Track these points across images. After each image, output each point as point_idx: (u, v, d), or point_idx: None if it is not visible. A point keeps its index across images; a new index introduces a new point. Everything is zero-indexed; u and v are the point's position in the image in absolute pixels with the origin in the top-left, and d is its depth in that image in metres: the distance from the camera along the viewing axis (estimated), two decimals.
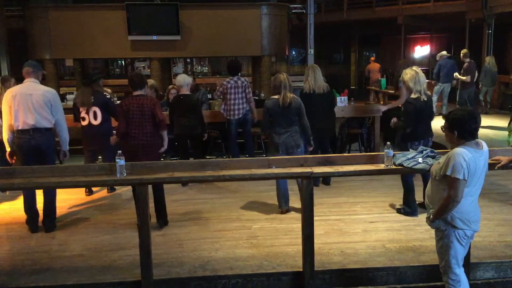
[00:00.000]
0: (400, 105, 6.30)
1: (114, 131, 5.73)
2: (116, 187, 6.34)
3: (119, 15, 10.87)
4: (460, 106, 10.57)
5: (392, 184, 6.10)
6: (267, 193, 5.93)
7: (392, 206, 5.53)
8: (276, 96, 5.25)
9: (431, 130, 5.32)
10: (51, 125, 4.96)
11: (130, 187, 5.65)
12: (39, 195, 5.13)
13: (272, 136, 5.31)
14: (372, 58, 17.93)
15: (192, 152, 6.97)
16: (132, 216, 4.96)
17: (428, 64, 18.12)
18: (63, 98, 9.76)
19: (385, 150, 3.93)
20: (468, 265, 3.86)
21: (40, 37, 11.07)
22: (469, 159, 3.13)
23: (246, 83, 7.22)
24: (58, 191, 5.29)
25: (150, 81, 6.61)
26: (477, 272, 4.10)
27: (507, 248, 4.36)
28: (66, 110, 5.67)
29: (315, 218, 3.96)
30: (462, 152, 3.14)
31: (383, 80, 12.64)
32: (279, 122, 5.24)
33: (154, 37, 11.03)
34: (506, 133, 6.63)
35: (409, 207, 5.22)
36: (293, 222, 5.01)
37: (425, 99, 5.06)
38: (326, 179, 6.41)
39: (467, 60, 10.87)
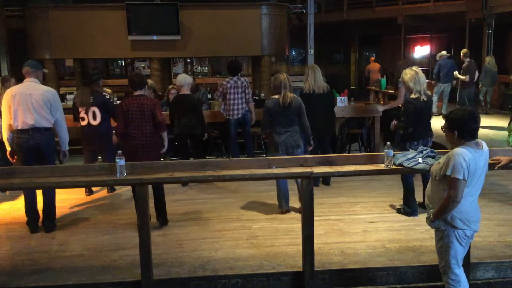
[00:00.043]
0: (399, 105, 6.30)
1: (114, 131, 5.73)
2: (116, 187, 6.34)
3: (119, 15, 10.88)
4: (460, 106, 10.57)
5: (392, 184, 6.10)
6: (267, 193, 5.93)
7: (392, 206, 5.53)
8: (276, 96, 5.25)
9: (431, 130, 5.32)
10: (51, 125, 4.96)
11: (130, 187, 5.65)
12: (40, 196, 5.13)
13: (272, 136, 5.31)
14: (372, 58, 17.94)
15: (192, 152, 6.97)
16: (132, 216, 4.96)
17: (428, 64, 18.12)
18: (63, 98, 9.76)
19: (385, 150, 3.93)
20: (468, 265, 3.87)
21: (40, 37, 11.08)
22: (469, 159, 3.13)
23: (246, 83, 7.22)
24: (58, 191, 5.29)
25: (149, 81, 6.61)
26: (477, 272, 4.10)
27: (507, 248, 4.36)
28: (66, 110, 5.67)
29: (315, 218, 3.96)
30: (462, 152, 3.14)
31: (383, 80, 12.64)
32: (279, 121, 5.24)
33: (154, 37, 11.04)
34: (506, 133, 6.63)
35: (409, 207, 5.22)
36: (293, 222, 5.01)
37: (425, 99, 5.06)
38: (326, 179, 6.41)
39: (467, 59, 10.88)
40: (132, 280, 3.95)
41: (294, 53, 21.36)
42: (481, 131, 9.01)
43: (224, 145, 7.96)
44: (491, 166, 3.61)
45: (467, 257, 3.77)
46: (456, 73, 10.92)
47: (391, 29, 18.24)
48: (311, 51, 13.45)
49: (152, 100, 5.15)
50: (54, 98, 4.94)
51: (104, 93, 6.04)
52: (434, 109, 10.18)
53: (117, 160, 3.78)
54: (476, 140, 3.26)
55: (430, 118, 5.35)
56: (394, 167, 3.92)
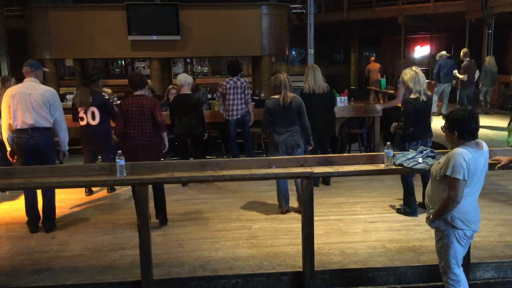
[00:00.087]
0: (398, 105, 6.30)
1: (113, 131, 5.73)
2: (116, 187, 6.34)
3: (119, 15, 10.87)
4: (460, 106, 10.58)
5: (392, 184, 6.10)
6: (267, 193, 5.93)
7: (392, 206, 5.53)
8: (276, 96, 5.25)
9: (431, 130, 5.32)
10: (50, 124, 4.96)
11: (130, 187, 5.65)
12: (40, 196, 5.13)
13: (273, 136, 5.31)
14: (372, 58, 17.95)
15: (192, 152, 6.97)
16: (132, 216, 4.96)
17: (428, 64, 18.12)
18: (63, 98, 9.75)
19: (385, 150, 3.93)
20: (468, 265, 3.87)
21: (40, 37, 11.07)
22: (469, 159, 3.13)
23: (245, 84, 7.21)
24: (58, 191, 5.29)
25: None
26: (477, 272, 4.10)
27: (507, 248, 4.36)
28: (66, 110, 5.67)
29: (315, 218, 3.96)
30: (462, 152, 3.14)
31: (383, 80, 12.64)
32: (280, 121, 5.24)
33: (154, 37, 11.03)
34: (506, 133, 6.62)
35: (409, 207, 5.22)
36: (293, 222, 5.01)
37: (425, 99, 5.06)
38: (326, 179, 6.41)
39: (467, 59, 10.88)
40: (132, 280, 3.95)
41: (294, 53, 21.36)
42: (481, 131, 9.01)
43: (224, 145, 7.96)
44: (491, 166, 3.61)
45: (467, 257, 3.78)
46: (455, 72, 10.93)
47: (391, 29, 18.24)
48: (311, 51, 13.45)
49: (152, 100, 5.15)
50: (53, 98, 4.94)
51: (103, 93, 6.04)
52: (434, 109, 10.19)
53: (117, 160, 3.78)
54: (476, 140, 3.27)
55: (429, 118, 5.35)
56: (394, 167, 3.92)
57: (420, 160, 3.82)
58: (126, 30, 10.85)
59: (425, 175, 4.99)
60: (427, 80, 5.50)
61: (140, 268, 3.88)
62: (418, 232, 4.74)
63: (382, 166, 3.95)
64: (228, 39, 11.30)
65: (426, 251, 4.30)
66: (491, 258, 4.18)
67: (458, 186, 3.12)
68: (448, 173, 3.14)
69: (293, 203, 5.47)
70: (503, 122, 10.10)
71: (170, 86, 8.60)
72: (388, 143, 4.00)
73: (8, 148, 5.02)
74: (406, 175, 5.13)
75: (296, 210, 5.35)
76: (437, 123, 5.34)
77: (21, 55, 10.38)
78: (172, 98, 7.56)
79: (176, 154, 7.68)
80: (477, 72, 11.17)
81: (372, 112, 8.04)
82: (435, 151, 3.96)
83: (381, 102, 11.48)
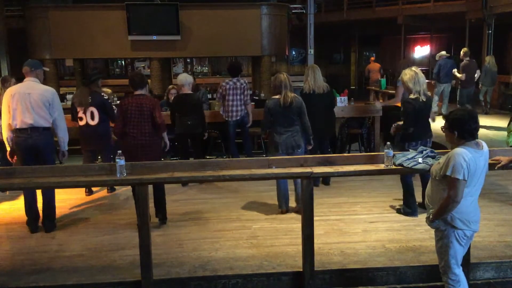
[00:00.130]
0: (398, 104, 6.30)
1: (113, 131, 5.73)
2: (116, 187, 6.34)
3: (119, 15, 10.88)
4: (461, 106, 10.58)
5: (392, 184, 6.10)
6: (267, 193, 5.93)
7: (392, 206, 5.53)
8: (277, 96, 5.25)
9: (430, 130, 5.31)
10: (49, 124, 4.95)
11: (130, 187, 5.65)
12: (40, 196, 5.13)
13: (273, 136, 5.31)
14: (372, 58, 17.95)
15: (192, 152, 6.98)
16: (132, 216, 4.96)
17: (428, 64, 18.12)
18: (63, 98, 9.75)
19: (385, 150, 3.93)
20: (468, 265, 3.87)
21: (40, 37, 11.08)
22: (469, 159, 3.13)
23: (245, 85, 7.21)
24: (58, 191, 5.29)
25: None
26: (477, 272, 4.10)
27: (507, 248, 4.36)
28: (66, 110, 5.67)
29: (315, 218, 3.96)
30: (462, 152, 3.14)
31: (383, 80, 12.65)
32: (280, 121, 5.24)
33: (154, 37, 11.04)
34: (506, 133, 6.62)
35: (409, 208, 5.22)
36: (293, 222, 5.01)
37: (424, 100, 5.06)
38: (326, 179, 6.41)
39: (467, 58, 10.88)
40: (132, 280, 3.95)
41: (294, 53, 21.36)
42: (481, 131, 9.01)
43: (224, 145, 7.96)
44: (491, 166, 3.61)
45: (467, 257, 3.78)
46: (455, 71, 10.94)
47: (391, 29, 18.24)
48: (311, 51, 13.45)
49: (152, 100, 5.14)
50: (53, 98, 4.93)
51: (102, 94, 6.04)
52: (435, 109, 10.18)
53: (117, 160, 3.78)
54: (476, 140, 3.27)
55: (429, 119, 5.34)
56: (394, 167, 3.92)
57: (420, 160, 3.82)
58: (126, 30, 10.86)
59: (424, 175, 5.00)
60: (427, 80, 5.50)
61: (140, 268, 3.88)
62: (418, 232, 4.74)
63: (382, 166, 3.95)
64: (228, 39, 11.30)
65: (426, 251, 4.30)
66: (491, 258, 4.18)
67: (458, 186, 3.12)
68: (448, 173, 3.14)
69: (293, 203, 5.48)
70: (503, 122, 10.10)
71: (170, 86, 8.60)
72: (388, 143, 4.00)
73: (8, 148, 5.02)
74: (405, 175, 5.13)
75: (294, 210, 5.35)
76: (437, 123, 5.32)
77: (21, 55, 10.38)
78: (172, 98, 7.57)
79: (176, 154, 7.68)
80: (478, 71, 11.17)
81: (372, 112, 8.05)
82: (435, 151, 3.96)
83: (381, 100, 11.49)
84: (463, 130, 3.20)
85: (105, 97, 6.01)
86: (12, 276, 4.06)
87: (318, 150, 6.06)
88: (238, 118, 7.19)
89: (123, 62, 19.09)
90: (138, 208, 3.98)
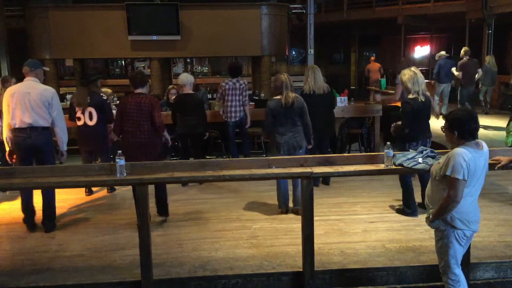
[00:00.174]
0: (397, 104, 6.30)
1: (112, 130, 5.74)
2: (116, 187, 6.34)
3: (119, 15, 10.88)
4: (461, 105, 10.58)
5: (392, 184, 6.10)
6: (267, 193, 5.93)
7: (392, 206, 5.53)
8: (278, 97, 5.24)
9: (430, 131, 5.30)
10: (49, 124, 4.95)
11: (130, 187, 5.65)
12: (36, 194, 5.14)
13: (274, 136, 5.30)
14: (372, 58, 17.94)
15: (192, 152, 6.98)
16: (132, 216, 4.96)
17: (428, 64, 18.13)
18: (63, 98, 9.76)
19: (385, 150, 3.93)
20: (468, 265, 3.87)
21: (40, 37, 11.08)
22: (469, 159, 3.13)
23: (244, 86, 7.20)
24: (58, 191, 5.29)
25: None
26: (477, 272, 4.10)
27: (507, 248, 4.36)
28: (66, 110, 5.67)
29: (315, 218, 3.96)
30: (462, 152, 3.14)
31: (383, 80, 12.63)
32: (282, 122, 5.23)
33: (154, 37, 11.03)
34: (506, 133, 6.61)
35: (408, 208, 5.22)
36: (293, 222, 5.01)
37: (423, 100, 5.06)
38: (326, 179, 6.41)
39: (466, 57, 10.88)
40: (132, 280, 3.95)
41: (294, 53, 21.36)
42: (481, 131, 9.03)
43: (224, 145, 7.96)
44: (491, 166, 3.61)
45: (467, 257, 3.78)
46: (454, 69, 10.94)
47: (391, 29, 18.25)
48: (311, 51, 13.45)
49: (152, 100, 5.12)
50: (52, 97, 4.93)
51: (101, 94, 6.03)
52: (437, 108, 10.18)
53: (117, 160, 3.78)
54: (476, 140, 3.27)
55: (428, 119, 5.34)
56: (394, 167, 3.92)
57: (420, 160, 3.82)
58: (126, 30, 10.86)
59: (423, 175, 5.00)
60: (427, 80, 5.51)
61: (140, 268, 3.88)
62: (418, 232, 4.74)
63: (382, 166, 3.95)
64: (228, 39, 11.30)
65: (426, 251, 4.30)
66: (491, 258, 4.18)
67: (457, 186, 3.12)
68: (448, 173, 3.14)
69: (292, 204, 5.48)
70: (503, 122, 10.09)
71: (170, 86, 8.60)
72: (388, 143, 4.00)
73: (7, 148, 5.02)
74: (404, 176, 5.13)
75: (294, 211, 5.35)
76: (437, 123, 5.32)
77: (21, 55, 10.39)
78: (173, 98, 7.57)
79: (176, 154, 7.68)
80: (480, 71, 11.15)
81: (372, 112, 8.05)
82: (435, 151, 3.96)
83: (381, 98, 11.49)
84: (463, 130, 3.20)
85: (104, 98, 6.00)
86: (12, 276, 4.07)
87: (317, 150, 6.06)
88: (237, 119, 7.18)
89: (123, 62, 19.09)
90: (138, 208, 3.99)
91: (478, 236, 4.17)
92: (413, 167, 3.80)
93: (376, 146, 7.87)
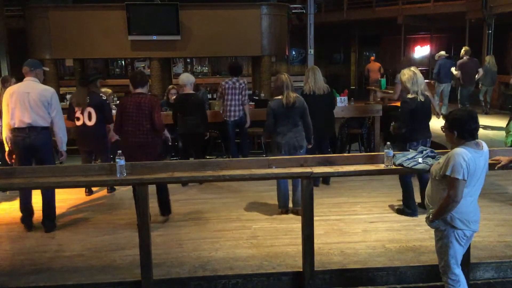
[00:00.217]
0: (397, 104, 6.31)
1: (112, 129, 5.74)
2: (116, 187, 6.34)
3: (119, 15, 10.88)
4: (461, 105, 10.58)
5: (392, 184, 6.09)
6: (267, 193, 5.93)
7: (392, 206, 5.52)
8: (279, 97, 5.24)
9: (429, 131, 5.30)
10: (48, 124, 4.95)
11: (130, 187, 5.65)
12: (36, 194, 5.14)
13: (275, 136, 5.30)
14: (372, 58, 17.93)
15: (193, 152, 6.98)
16: (132, 216, 4.95)
17: (428, 64, 18.12)
18: (62, 98, 9.77)
19: (385, 150, 3.93)
20: (468, 265, 3.87)
21: (40, 37, 11.08)
22: (469, 159, 3.13)
23: (244, 85, 7.21)
24: (58, 191, 5.29)
25: None
26: (477, 272, 4.10)
27: (507, 248, 4.36)
28: (65, 110, 5.67)
29: (315, 218, 3.96)
30: (462, 152, 3.14)
31: (383, 80, 12.63)
32: (283, 122, 5.23)
33: (154, 37, 11.04)
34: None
35: (408, 208, 5.22)
36: (293, 222, 5.01)
37: (422, 100, 5.06)
38: (326, 179, 6.41)
39: (466, 57, 10.87)
40: (132, 280, 3.95)
41: (294, 53, 21.36)
42: (481, 131, 9.03)
43: (224, 145, 7.96)
44: (491, 166, 3.61)
45: (467, 257, 3.78)
46: (453, 69, 10.95)
47: (391, 29, 18.24)
48: (311, 51, 13.45)
49: (152, 100, 5.11)
50: (51, 97, 4.93)
51: (101, 94, 6.02)
52: (437, 108, 10.17)
53: (117, 160, 3.79)
54: (476, 140, 3.27)
55: (428, 119, 5.34)
56: (394, 167, 3.92)
57: (420, 160, 3.82)
58: (126, 30, 10.86)
59: (422, 175, 5.01)
60: (427, 80, 5.51)
61: (140, 268, 3.88)
62: (418, 232, 4.74)
63: (382, 166, 3.95)
64: (228, 39, 11.30)
65: (426, 251, 4.30)
66: (491, 258, 4.18)
67: (457, 186, 3.12)
68: (447, 173, 3.14)
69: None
70: (503, 122, 10.07)
71: (170, 86, 8.60)
72: (388, 143, 4.00)
73: (7, 148, 5.02)
74: (404, 176, 5.13)
75: (294, 211, 5.35)
76: (437, 123, 5.32)
77: (21, 55, 10.39)
78: (173, 98, 7.58)
79: (176, 154, 7.68)
80: (480, 70, 11.15)
81: (372, 112, 8.05)
82: (435, 151, 3.96)
83: (380, 97, 11.50)
84: (463, 130, 3.20)
85: (103, 98, 5.99)
86: (12, 276, 4.07)
87: (317, 150, 6.06)
88: (237, 118, 7.18)
89: (123, 62, 19.10)
90: (138, 208, 3.98)
91: (478, 236, 4.17)
92: (413, 167, 3.80)
93: (376, 146, 7.87)
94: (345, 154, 6.68)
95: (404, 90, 5.24)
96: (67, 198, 5.91)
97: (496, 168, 3.72)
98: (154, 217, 5.01)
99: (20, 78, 5.25)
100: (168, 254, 4.40)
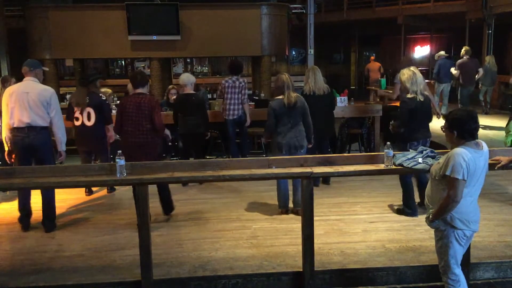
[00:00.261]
0: (397, 104, 6.32)
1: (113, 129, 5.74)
2: (116, 187, 6.34)
3: (119, 15, 10.87)
4: (462, 105, 10.58)
5: (392, 184, 6.09)
6: (267, 193, 5.93)
7: (391, 206, 5.52)
8: (280, 97, 5.24)
9: (429, 131, 5.30)
10: (47, 124, 4.95)
11: (130, 187, 5.65)
12: (36, 194, 5.14)
13: (276, 136, 5.30)
14: (372, 58, 17.93)
15: (193, 152, 6.97)
16: (132, 216, 4.95)
17: (428, 64, 18.12)
18: (62, 98, 9.77)
19: (385, 150, 3.93)
20: (468, 265, 3.87)
21: (40, 37, 11.07)
22: (469, 159, 3.13)
23: (243, 84, 7.21)
24: (58, 191, 5.29)
25: None
26: (477, 272, 4.10)
27: (507, 248, 4.36)
28: (64, 110, 5.66)
29: (315, 218, 3.96)
30: (461, 152, 3.14)
31: (383, 80, 12.64)
32: (284, 122, 5.23)
33: (154, 37, 11.03)
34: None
35: (409, 208, 5.22)
36: (293, 222, 5.01)
37: (422, 100, 5.06)
38: (326, 179, 6.41)
39: (466, 57, 10.87)
40: (132, 280, 3.95)
41: (294, 53, 21.36)
42: (481, 131, 9.02)
43: (224, 145, 7.96)
44: (491, 166, 3.61)
45: (467, 257, 3.78)
46: (452, 68, 10.95)
47: (391, 29, 18.24)
48: (311, 51, 13.45)
49: (151, 100, 5.11)
50: (51, 97, 4.93)
51: (100, 95, 6.01)
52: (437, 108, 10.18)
53: (117, 160, 3.78)
54: (476, 140, 3.27)
55: (429, 119, 5.33)
56: (394, 167, 3.92)
57: (420, 160, 3.82)
58: (126, 30, 10.85)
59: (420, 175, 5.02)
60: (427, 80, 5.52)
61: (140, 268, 3.88)
62: (418, 232, 4.74)
63: (382, 166, 3.95)
64: (228, 39, 11.30)
65: (426, 251, 4.30)
66: (491, 258, 4.18)
67: (457, 186, 3.12)
68: (447, 173, 3.14)
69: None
70: (503, 122, 10.06)
71: (170, 86, 8.60)
72: (388, 143, 4.00)
73: (6, 148, 5.02)
74: (405, 176, 5.13)
75: (294, 212, 5.35)
76: (437, 123, 5.32)
77: (21, 55, 10.39)
78: (173, 98, 7.58)
79: (176, 154, 7.68)
80: (480, 70, 11.14)
81: (372, 112, 8.05)
82: (435, 151, 3.96)
83: (379, 97, 11.51)
84: (463, 130, 3.20)
85: (103, 98, 5.98)
86: (12, 276, 4.07)
87: (317, 150, 6.07)
88: (236, 117, 7.18)
89: (123, 62, 19.09)
90: (138, 208, 3.98)
91: (478, 236, 4.17)
92: (413, 167, 3.80)
93: (376, 146, 7.87)
94: (345, 154, 6.69)
95: (403, 90, 5.23)
96: (67, 198, 5.92)
97: (496, 168, 3.72)
98: (154, 217, 5.02)
99: (20, 78, 5.25)
100: (168, 254, 4.40)
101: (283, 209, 5.42)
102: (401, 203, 5.33)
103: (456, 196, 3.13)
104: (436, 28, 18.32)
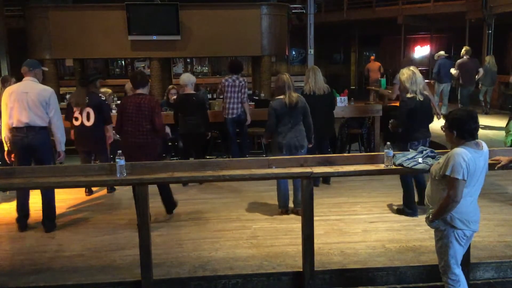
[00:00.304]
0: (396, 104, 6.32)
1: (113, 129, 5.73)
2: (116, 187, 6.34)
3: (119, 15, 10.87)
4: (462, 105, 10.58)
5: (392, 184, 6.10)
6: (267, 193, 5.93)
7: (391, 206, 5.52)
8: (281, 97, 5.24)
9: (429, 131, 5.30)
10: (46, 124, 4.95)
11: (130, 187, 5.65)
12: (36, 194, 5.14)
13: (276, 136, 5.30)
14: (372, 57, 17.93)
15: (193, 152, 6.97)
16: (132, 216, 4.95)
17: (428, 64, 18.12)
18: (62, 98, 9.76)
19: (385, 150, 3.93)
20: (468, 265, 3.87)
21: (40, 37, 11.07)
22: (469, 159, 3.13)
23: (243, 83, 7.21)
24: (58, 191, 5.29)
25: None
26: (477, 272, 4.10)
27: (507, 248, 4.36)
28: (64, 110, 5.66)
29: (315, 218, 3.96)
30: (461, 152, 3.14)
31: (383, 80, 12.64)
32: (285, 122, 5.22)
33: (154, 37, 11.03)
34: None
35: (409, 208, 5.22)
36: (293, 222, 5.01)
37: (421, 99, 5.06)
38: (326, 179, 6.41)
39: (466, 56, 10.87)
40: (132, 280, 3.95)
41: (294, 53, 21.37)
42: (481, 131, 9.03)
43: (224, 145, 7.96)
44: (491, 166, 3.61)
45: (467, 257, 3.78)
46: (452, 69, 10.95)
47: (391, 29, 18.24)
48: (311, 51, 13.45)
49: (152, 101, 5.11)
50: (50, 97, 4.93)
51: (100, 95, 6.01)
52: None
53: (117, 160, 3.78)
54: (476, 140, 3.27)
55: (429, 119, 5.33)
56: (394, 167, 3.92)
57: (420, 160, 3.82)
58: (126, 30, 10.85)
59: (418, 176, 5.02)
60: (427, 80, 5.52)
61: (140, 268, 3.88)
62: (418, 232, 4.74)
63: (382, 166, 3.95)
64: (228, 39, 11.30)
65: (426, 251, 4.30)
66: (491, 258, 4.18)
67: (457, 186, 3.12)
68: (447, 173, 3.14)
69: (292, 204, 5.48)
70: (503, 122, 10.06)
71: (170, 86, 8.60)
72: (388, 143, 4.00)
73: (6, 148, 5.02)
74: (405, 176, 5.13)
75: (294, 212, 5.35)
76: (437, 123, 5.32)
77: (21, 55, 10.38)
78: (173, 98, 7.57)
79: (176, 154, 7.68)
80: (481, 70, 11.14)
81: (372, 112, 8.05)
82: (435, 151, 3.96)
83: (381, 97, 11.52)
84: (462, 130, 3.20)
85: (102, 98, 5.98)
86: (12, 276, 4.07)
87: (317, 150, 6.07)
88: (235, 116, 7.18)
89: (123, 62, 19.10)
90: (138, 208, 3.98)
91: (478, 236, 4.17)
92: (413, 167, 3.80)
93: (376, 146, 7.87)
94: (345, 154, 6.69)
95: (403, 89, 5.23)
96: (67, 198, 5.91)
97: (496, 168, 3.72)
98: (154, 217, 5.02)
99: (20, 78, 5.25)
100: (168, 254, 4.40)
101: (283, 209, 5.41)
102: (401, 203, 5.34)
103: (456, 196, 3.13)
104: (436, 28, 18.33)
